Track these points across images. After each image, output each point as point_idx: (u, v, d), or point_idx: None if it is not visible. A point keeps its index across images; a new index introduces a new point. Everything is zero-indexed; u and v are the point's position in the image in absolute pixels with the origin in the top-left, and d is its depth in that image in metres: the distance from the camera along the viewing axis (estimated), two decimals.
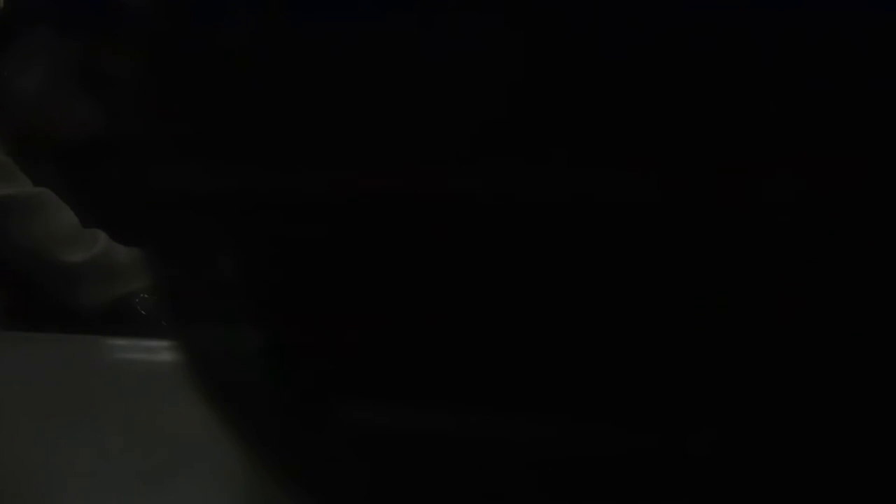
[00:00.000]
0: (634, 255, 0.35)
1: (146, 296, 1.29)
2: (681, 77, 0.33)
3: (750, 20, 0.33)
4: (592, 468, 0.38)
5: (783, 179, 0.34)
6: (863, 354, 0.35)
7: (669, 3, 0.33)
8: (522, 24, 0.34)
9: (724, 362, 0.36)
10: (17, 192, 1.30)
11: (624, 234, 0.35)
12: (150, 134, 0.39)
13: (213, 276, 0.40)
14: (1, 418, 0.57)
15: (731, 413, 0.36)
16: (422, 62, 0.35)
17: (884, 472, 0.37)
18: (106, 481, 0.51)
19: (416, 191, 0.35)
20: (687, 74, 0.33)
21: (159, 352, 0.61)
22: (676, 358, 0.36)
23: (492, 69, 0.34)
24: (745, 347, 0.35)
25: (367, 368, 0.38)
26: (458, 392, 0.38)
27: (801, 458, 0.37)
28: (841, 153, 0.33)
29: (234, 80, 0.36)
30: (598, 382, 0.37)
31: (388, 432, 0.39)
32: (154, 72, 0.38)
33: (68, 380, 0.62)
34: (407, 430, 0.39)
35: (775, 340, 0.35)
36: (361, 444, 0.40)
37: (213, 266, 0.40)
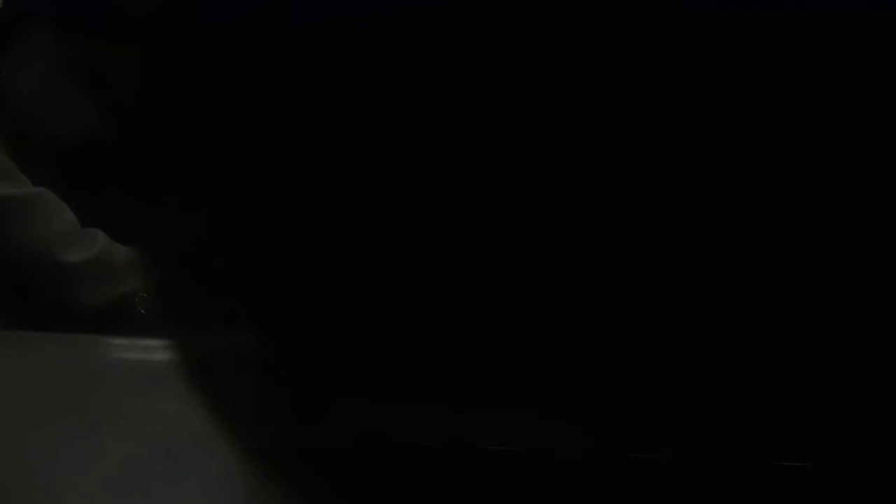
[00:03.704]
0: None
1: (145, 295, 1.29)
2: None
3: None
4: (587, 469, 0.38)
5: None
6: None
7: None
8: None
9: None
10: (17, 192, 1.30)
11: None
12: (149, 133, 0.39)
13: (211, 276, 0.40)
14: (0, 416, 0.57)
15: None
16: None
17: None
18: (104, 479, 0.51)
19: (415, 192, 0.35)
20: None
21: (158, 351, 0.61)
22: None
23: None
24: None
25: (364, 370, 0.38)
26: (454, 394, 0.38)
27: None
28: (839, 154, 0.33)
29: (231, 78, 0.36)
30: (593, 384, 0.37)
31: (384, 434, 0.39)
32: (153, 72, 0.38)
33: (67, 378, 0.62)
34: (403, 432, 0.39)
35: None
36: (357, 445, 0.40)
37: (211, 266, 0.40)
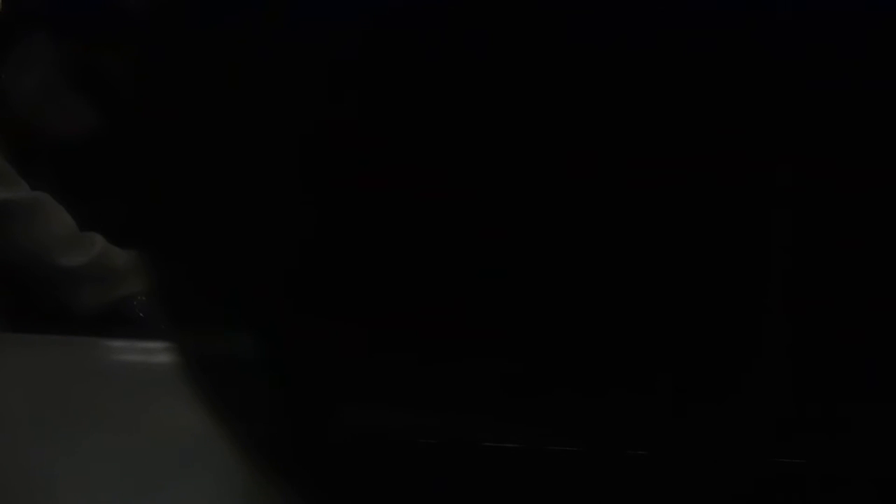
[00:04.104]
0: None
1: (144, 298, 1.29)
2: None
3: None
4: (584, 466, 0.38)
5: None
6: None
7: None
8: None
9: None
10: (15, 196, 1.30)
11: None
12: (148, 134, 0.39)
13: (209, 277, 0.40)
14: (0, 419, 0.57)
15: None
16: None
17: None
18: (104, 481, 0.51)
19: (416, 192, 0.35)
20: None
21: (157, 353, 0.61)
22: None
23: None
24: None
25: (363, 372, 0.38)
26: (453, 396, 0.38)
27: None
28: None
29: (231, 78, 0.36)
30: (589, 382, 0.37)
31: (383, 433, 0.39)
32: (152, 73, 0.38)
33: (67, 381, 0.62)
34: (402, 431, 0.39)
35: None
36: (356, 447, 0.40)
37: (210, 268, 0.40)
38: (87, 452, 0.54)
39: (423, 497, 0.40)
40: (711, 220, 0.34)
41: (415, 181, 0.35)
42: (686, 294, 0.35)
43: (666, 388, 0.36)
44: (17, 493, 0.51)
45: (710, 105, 0.33)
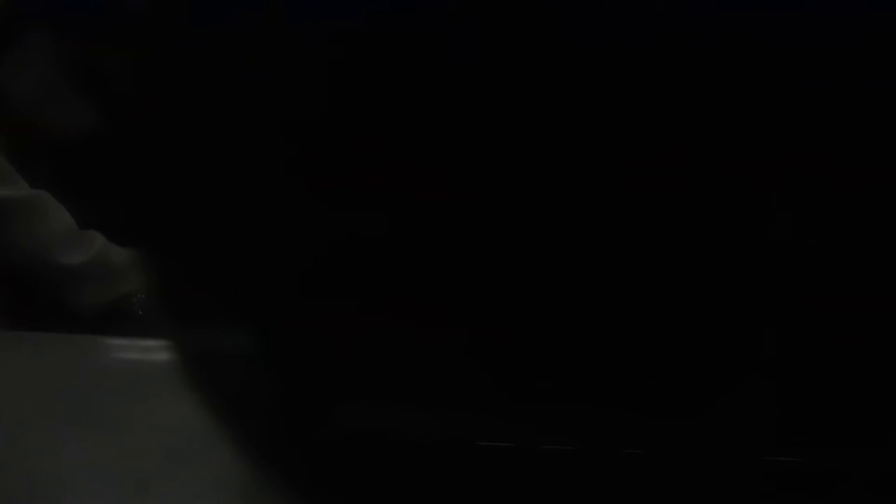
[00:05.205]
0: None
1: (143, 296, 1.29)
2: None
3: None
4: (583, 469, 0.38)
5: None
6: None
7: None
8: None
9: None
10: (15, 194, 1.30)
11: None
12: (147, 134, 0.39)
13: (209, 276, 0.40)
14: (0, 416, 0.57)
15: None
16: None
17: None
18: (103, 479, 0.51)
19: (415, 192, 0.35)
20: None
21: (156, 351, 0.61)
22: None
23: None
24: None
25: (361, 371, 0.38)
26: (452, 395, 0.38)
27: None
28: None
29: (230, 78, 0.36)
30: (586, 381, 0.37)
31: (380, 434, 0.39)
32: (152, 73, 0.38)
33: (66, 379, 0.62)
34: (400, 433, 0.39)
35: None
36: (354, 446, 0.40)
37: (209, 266, 0.40)
38: (85, 449, 0.54)
39: (420, 495, 0.40)
40: (711, 219, 0.34)
41: (413, 180, 0.35)
42: (683, 294, 0.35)
43: (661, 388, 0.36)
44: (16, 489, 0.51)
45: (710, 105, 0.33)
